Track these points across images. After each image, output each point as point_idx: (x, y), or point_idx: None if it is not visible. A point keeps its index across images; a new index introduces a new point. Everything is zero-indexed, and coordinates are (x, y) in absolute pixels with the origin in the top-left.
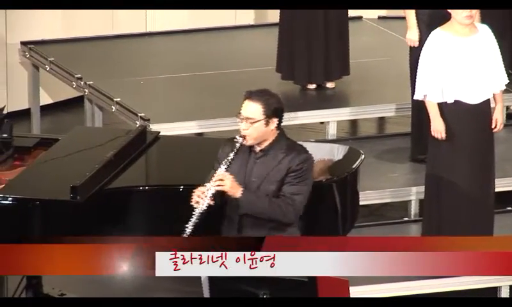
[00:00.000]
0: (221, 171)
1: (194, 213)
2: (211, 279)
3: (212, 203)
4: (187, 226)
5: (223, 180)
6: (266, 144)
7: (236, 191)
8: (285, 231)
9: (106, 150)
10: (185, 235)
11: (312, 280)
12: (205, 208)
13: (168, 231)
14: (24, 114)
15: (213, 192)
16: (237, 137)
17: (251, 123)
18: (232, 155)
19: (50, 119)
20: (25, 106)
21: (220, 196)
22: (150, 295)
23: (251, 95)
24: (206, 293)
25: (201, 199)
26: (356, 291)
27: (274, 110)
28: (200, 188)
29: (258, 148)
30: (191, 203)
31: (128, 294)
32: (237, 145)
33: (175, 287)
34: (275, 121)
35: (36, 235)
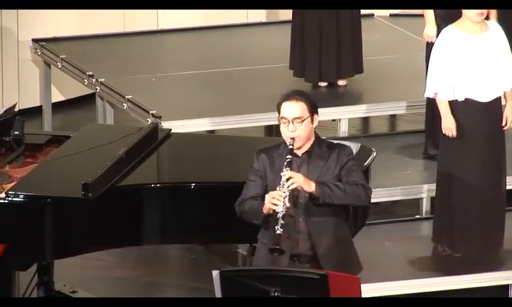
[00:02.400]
0: (288, 171)
1: (278, 215)
2: (222, 276)
3: (288, 205)
4: (276, 227)
5: (294, 177)
6: (308, 146)
7: (310, 184)
8: (344, 225)
9: (118, 147)
10: (279, 232)
11: (324, 277)
12: (284, 210)
13: (177, 228)
14: (36, 111)
15: (288, 192)
16: (289, 140)
17: (300, 122)
18: (289, 157)
19: (61, 117)
20: (36, 103)
21: (294, 197)
22: (159, 292)
23: (291, 96)
24: (217, 290)
25: (279, 201)
26: (367, 289)
27: (315, 106)
28: (273, 192)
29: (299, 153)
30: (268, 207)
31: (138, 292)
32: (291, 147)
33: (184, 284)
34: (317, 117)
35: (47, 231)
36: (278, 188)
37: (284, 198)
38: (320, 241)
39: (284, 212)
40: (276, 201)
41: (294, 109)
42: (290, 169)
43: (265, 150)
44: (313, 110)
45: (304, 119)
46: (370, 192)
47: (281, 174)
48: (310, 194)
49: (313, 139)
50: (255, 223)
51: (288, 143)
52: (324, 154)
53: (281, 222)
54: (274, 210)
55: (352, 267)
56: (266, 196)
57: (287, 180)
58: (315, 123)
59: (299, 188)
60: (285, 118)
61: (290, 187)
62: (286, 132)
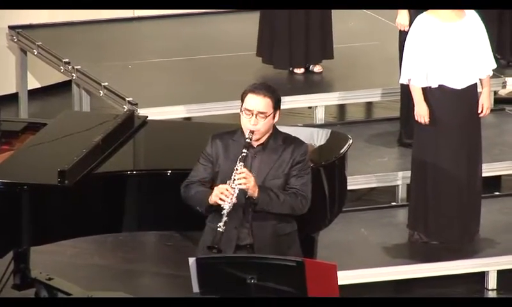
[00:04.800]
0: (243, 169)
1: (223, 212)
2: (199, 263)
3: (235, 201)
4: (219, 225)
5: (247, 178)
6: (265, 138)
7: (255, 190)
8: (289, 222)
9: (94, 135)
10: (221, 230)
11: (300, 264)
12: (230, 208)
13: (154, 216)
14: (12, 98)
15: (238, 190)
16: (248, 132)
17: (264, 117)
18: (245, 151)
19: (37, 104)
20: (12, 90)
21: (243, 194)
22: (135, 280)
23: (258, 90)
24: (194, 277)
25: (227, 197)
26: (343, 276)
27: (280, 102)
28: (223, 186)
29: (255, 143)
30: (214, 200)
31: (115, 279)
32: (248, 141)
33: (161, 271)
34: (279, 113)
35: (24, 218)
36: (228, 182)
37: (232, 195)
38: (259, 234)
39: (230, 209)
40: (224, 197)
41: (260, 103)
42: (244, 164)
43: (221, 136)
44: (277, 107)
45: (268, 116)
46: (307, 205)
47: (236, 168)
48: (250, 196)
49: (270, 132)
50: (198, 210)
51: (246, 136)
52: (278, 148)
53: (225, 219)
54: (219, 204)
55: None
56: (215, 188)
57: (240, 178)
58: (276, 119)
59: (245, 189)
60: (248, 110)
61: (240, 187)
62: (247, 124)
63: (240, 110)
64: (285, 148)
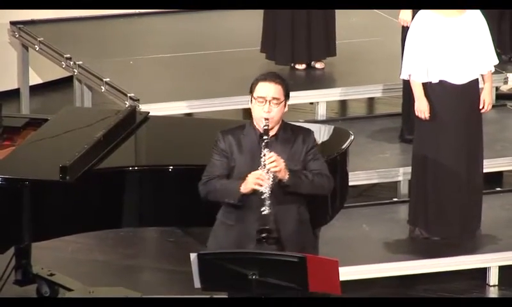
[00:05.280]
0: (270, 153)
1: (264, 196)
2: (200, 259)
3: (271, 182)
4: (263, 208)
5: (277, 161)
6: (276, 129)
7: (285, 173)
8: (306, 210)
9: (95, 130)
10: (266, 212)
11: (302, 260)
12: (270, 191)
13: (156, 211)
14: (13, 94)
15: (272, 174)
16: (263, 120)
17: (277, 104)
18: (266, 138)
19: (39, 100)
20: (14, 86)
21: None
22: (137, 275)
23: (269, 78)
24: (195, 273)
25: (263, 181)
26: (345, 272)
27: (288, 92)
28: (256, 173)
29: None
30: (250, 187)
31: (116, 274)
32: (266, 128)
33: (162, 267)
34: (287, 103)
35: (25, 214)
36: (259, 168)
37: (268, 179)
38: (285, 224)
39: (269, 193)
40: (261, 181)
41: (272, 89)
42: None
43: (231, 131)
44: (286, 95)
45: (281, 102)
46: (332, 183)
47: (263, 154)
48: (280, 180)
49: (280, 123)
50: (226, 202)
51: (264, 124)
52: (290, 138)
53: (269, 202)
54: (257, 190)
55: (312, 250)
56: (249, 175)
57: (271, 162)
58: (286, 109)
59: (276, 173)
60: (262, 97)
61: (273, 170)
62: (260, 112)
63: (251, 101)
64: (296, 137)
